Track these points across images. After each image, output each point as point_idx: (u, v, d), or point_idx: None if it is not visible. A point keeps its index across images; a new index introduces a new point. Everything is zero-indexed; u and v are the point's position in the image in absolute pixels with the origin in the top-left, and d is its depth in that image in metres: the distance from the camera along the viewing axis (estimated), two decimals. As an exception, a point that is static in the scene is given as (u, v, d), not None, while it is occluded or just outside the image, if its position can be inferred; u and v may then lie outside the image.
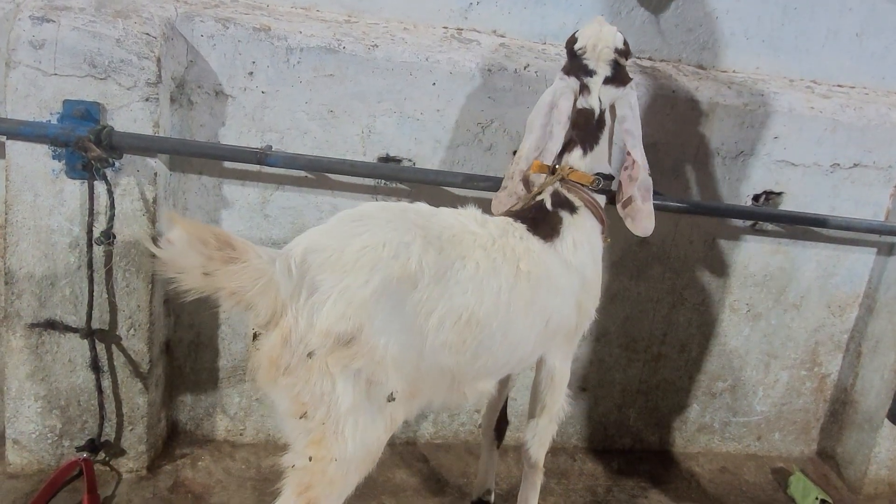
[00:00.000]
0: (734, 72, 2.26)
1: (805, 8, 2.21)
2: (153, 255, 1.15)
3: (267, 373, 1.20)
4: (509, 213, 1.60)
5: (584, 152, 1.62)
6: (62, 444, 1.87)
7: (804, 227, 2.22)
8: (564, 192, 1.60)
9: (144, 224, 1.77)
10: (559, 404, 1.68)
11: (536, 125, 1.65)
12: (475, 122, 1.98)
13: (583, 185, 1.60)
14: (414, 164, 1.98)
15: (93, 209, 1.70)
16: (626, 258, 2.19)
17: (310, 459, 1.22)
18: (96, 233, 1.70)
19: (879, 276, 2.34)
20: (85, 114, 1.66)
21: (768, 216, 2.18)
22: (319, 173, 1.93)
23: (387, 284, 1.20)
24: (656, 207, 1.85)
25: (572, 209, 1.59)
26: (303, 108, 1.89)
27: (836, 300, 2.37)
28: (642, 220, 1.64)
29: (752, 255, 2.26)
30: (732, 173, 2.16)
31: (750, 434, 2.47)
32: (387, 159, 1.97)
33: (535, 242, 1.50)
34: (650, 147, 2.07)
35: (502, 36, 2.12)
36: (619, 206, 1.67)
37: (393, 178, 1.95)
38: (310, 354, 1.17)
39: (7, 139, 1.66)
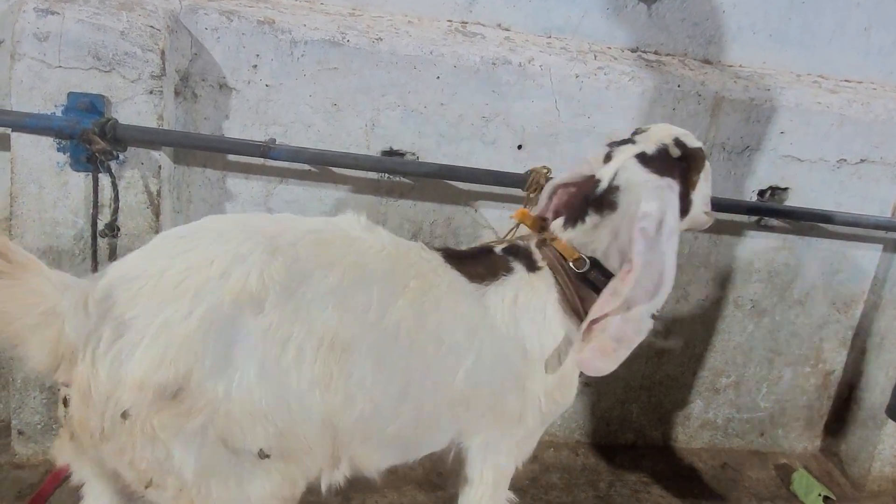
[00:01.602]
0: (740, 66, 2.24)
1: (812, 2, 2.19)
2: None
3: (87, 444, 0.96)
4: (434, 246, 1.30)
5: (565, 223, 1.32)
6: (67, 435, 1.88)
7: (809, 223, 2.21)
8: (532, 249, 1.33)
9: (149, 217, 1.78)
10: (483, 489, 1.27)
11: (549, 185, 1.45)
12: (479, 116, 1.98)
13: (563, 257, 1.28)
14: (417, 157, 1.97)
15: (97, 202, 1.70)
16: (630, 253, 2.18)
17: None
18: (101, 225, 1.70)
19: (885, 272, 2.32)
20: (89, 106, 1.66)
21: (773, 212, 2.17)
22: (323, 167, 1.93)
23: (217, 312, 0.94)
24: None
25: (531, 265, 1.29)
26: (307, 102, 1.89)
27: (841, 297, 2.35)
28: (595, 356, 1.19)
29: (756, 250, 2.25)
30: (738, 168, 2.15)
31: (753, 430, 2.47)
32: (390, 153, 1.97)
33: (447, 271, 1.20)
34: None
35: (507, 30, 2.11)
36: (583, 323, 1.23)
37: (396, 171, 1.94)
38: (124, 415, 0.92)
39: (12, 131, 1.67)
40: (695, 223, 1.42)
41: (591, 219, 1.28)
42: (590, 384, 2.31)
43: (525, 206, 1.86)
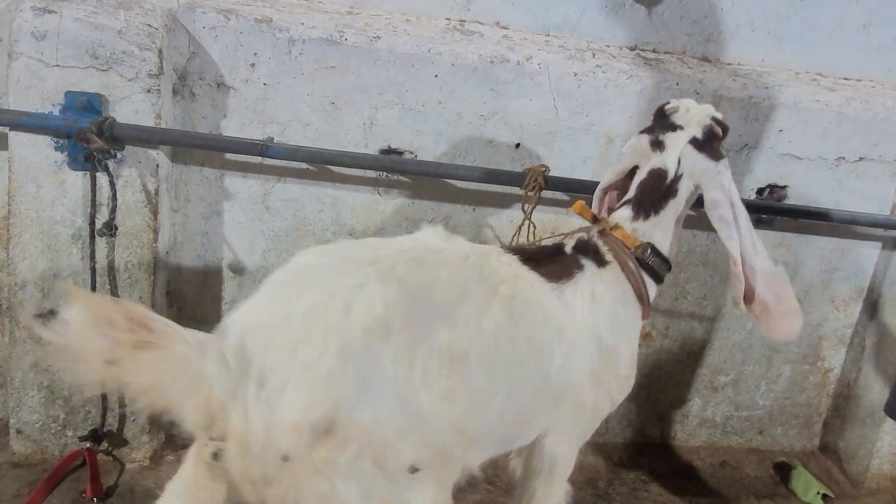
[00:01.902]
0: (739, 64, 2.24)
1: (811, -1, 2.19)
2: (41, 340, 0.91)
3: (249, 491, 0.97)
4: (506, 247, 1.38)
5: (635, 215, 1.38)
6: (65, 433, 1.88)
7: (808, 220, 2.21)
8: (598, 242, 1.38)
9: (147, 215, 1.78)
10: (555, 499, 1.37)
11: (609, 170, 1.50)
12: (477, 115, 1.98)
13: (626, 246, 1.35)
14: (416, 156, 1.97)
15: (95, 200, 1.70)
16: (628, 251, 2.18)
17: None
18: (99, 224, 1.70)
19: (884, 270, 2.32)
20: (87, 105, 1.66)
21: (772, 210, 2.16)
22: (321, 165, 1.93)
23: (350, 345, 0.97)
24: None
25: (600, 261, 1.35)
26: (304, 100, 1.88)
27: (839, 295, 2.35)
28: (776, 321, 1.34)
29: (755, 248, 2.25)
30: (736, 166, 2.15)
31: (752, 428, 2.47)
32: (388, 151, 1.97)
33: (527, 273, 1.25)
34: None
35: (505, 28, 2.11)
36: (741, 305, 1.39)
37: (394, 170, 1.94)
38: (285, 458, 0.95)
39: (10, 130, 1.67)
40: None
41: (663, 211, 1.38)
42: (588, 382, 2.31)
43: (524, 205, 1.86)
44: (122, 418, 1.90)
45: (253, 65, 1.84)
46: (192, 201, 1.92)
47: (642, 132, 1.44)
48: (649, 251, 1.36)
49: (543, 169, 1.84)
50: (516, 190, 1.91)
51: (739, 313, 2.30)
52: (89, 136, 1.62)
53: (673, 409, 2.40)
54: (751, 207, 2.16)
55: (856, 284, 2.35)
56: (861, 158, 2.21)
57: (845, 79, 2.30)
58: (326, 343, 0.96)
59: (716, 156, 1.38)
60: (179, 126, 1.84)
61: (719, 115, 1.43)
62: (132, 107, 1.70)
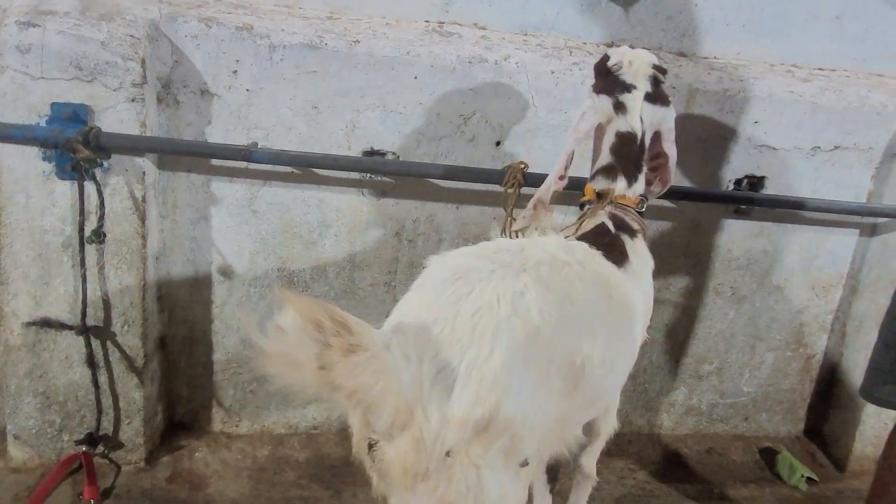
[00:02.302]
0: (714, 58, 2.28)
1: (784, -8, 2.23)
2: (257, 352, 0.91)
3: (401, 482, 1.02)
4: (577, 237, 1.49)
5: (630, 183, 1.53)
6: (62, 438, 1.92)
7: (786, 210, 2.25)
8: (621, 215, 1.52)
9: (135, 222, 1.81)
10: (611, 427, 1.62)
11: (562, 152, 1.61)
12: (457, 114, 2.01)
13: (629, 207, 1.53)
14: (398, 157, 2.01)
15: (83, 209, 1.74)
16: (610, 245, 2.22)
17: None
18: (87, 232, 1.74)
19: (862, 256, 2.37)
20: (73, 116, 1.70)
21: (750, 200, 2.21)
22: (305, 168, 1.97)
23: (513, 348, 1.03)
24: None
25: (632, 234, 1.51)
26: (287, 105, 1.92)
27: (819, 282, 2.40)
28: (664, 184, 1.68)
29: (735, 238, 2.30)
30: (714, 158, 2.19)
31: (737, 415, 2.51)
32: (371, 153, 2.00)
33: (612, 269, 1.38)
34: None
35: (483, 28, 2.15)
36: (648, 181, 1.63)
37: (377, 171, 1.98)
38: (448, 453, 1.00)
39: (-2, 142, 1.71)
40: None
41: (644, 167, 1.55)
42: (575, 374, 2.35)
43: (504, 204, 1.90)
44: (117, 422, 1.94)
45: (235, 71, 1.88)
46: (179, 207, 1.96)
47: (599, 92, 1.56)
48: (644, 204, 1.58)
49: (522, 166, 1.88)
50: (498, 187, 1.95)
51: (722, 302, 2.36)
52: (76, 146, 1.66)
53: (659, 398, 2.45)
54: (729, 198, 2.22)
55: (835, 271, 2.39)
56: (836, 147, 2.25)
57: (819, 69, 2.35)
58: (493, 345, 1.02)
59: (665, 101, 1.57)
60: (165, 134, 1.88)
61: (657, 61, 1.57)
62: (117, 116, 1.74)
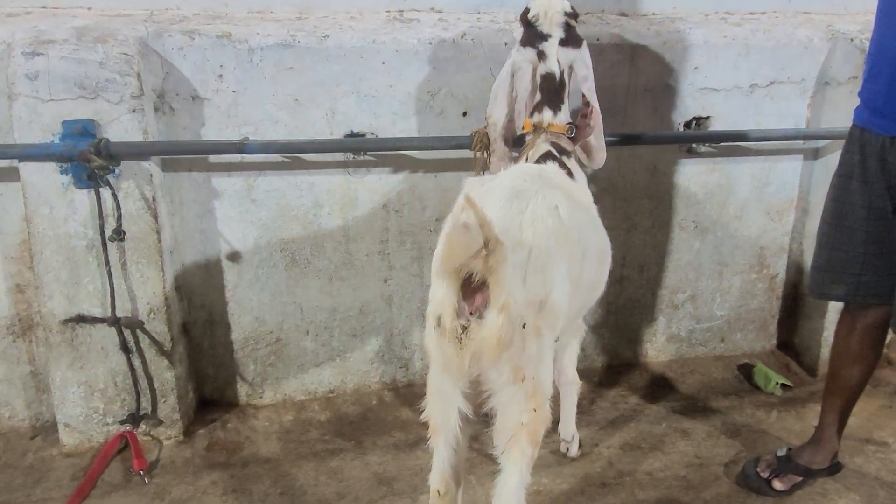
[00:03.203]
0: (654, 14, 2.50)
1: (709, -54, 2.44)
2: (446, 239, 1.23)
3: (494, 353, 1.26)
4: (535, 162, 1.80)
5: (554, 112, 1.84)
6: (106, 421, 2.14)
7: (734, 143, 2.47)
8: (556, 140, 1.83)
9: (149, 220, 2.02)
10: (583, 330, 2.05)
11: (500, 94, 1.89)
12: (425, 92, 2.22)
13: (560, 133, 1.83)
14: (376, 135, 2.22)
15: (102, 212, 1.95)
16: (578, 194, 2.44)
17: (534, 410, 1.38)
18: (108, 232, 1.95)
19: (809, 179, 2.59)
20: (82, 131, 1.90)
21: (699, 138, 2.43)
22: (293, 155, 2.18)
23: (558, 247, 1.38)
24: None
25: (568, 155, 1.83)
26: (271, 101, 2.13)
27: (773, 207, 2.62)
28: (597, 154, 1.93)
29: (691, 175, 2.52)
30: (662, 105, 2.41)
31: (714, 338, 2.75)
32: (352, 135, 2.21)
33: (574, 184, 1.76)
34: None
35: (440, 11, 2.36)
36: (577, 146, 1.91)
37: (358, 149, 2.20)
38: (524, 325, 1.32)
39: (19, 162, 1.91)
40: None
41: (565, 98, 1.85)
42: (561, 316, 2.58)
43: (475, 166, 2.12)
44: (154, 401, 2.16)
45: (220, 76, 2.08)
46: (185, 203, 2.17)
47: (525, 45, 1.84)
48: (573, 130, 1.85)
49: (486, 129, 2.09)
50: (469, 153, 2.16)
51: (687, 235, 2.58)
52: (89, 157, 1.87)
53: (641, 330, 2.68)
54: (680, 138, 2.44)
55: (786, 195, 2.62)
56: (772, 82, 2.47)
57: (750, 13, 2.57)
58: (546, 245, 1.36)
59: (577, 43, 1.84)
60: (164, 138, 2.08)
61: (568, 8, 1.84)
62: (121, 126, 1.95)
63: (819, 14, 2.61)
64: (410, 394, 2.48)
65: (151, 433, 2.17)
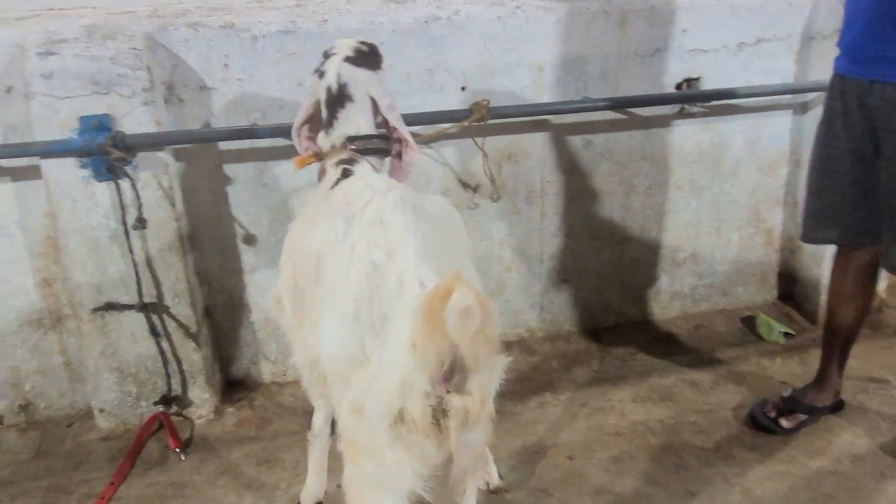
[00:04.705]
0: (640, -20, 2.56)
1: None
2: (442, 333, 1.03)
3: (477, 415, 1.19)
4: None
5: (326, 132, 1.63)
6: (140, 404, 2.23)
7: (724, 101, 2.54)
8: (334, 167, 1.59)
9: (167, 208, 2.10)
10: None
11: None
12: (424, 69, 2.30)
13: (341, 154, 1.60)
14: (379, 115, 2.29)
15: (122, 203, 2.03)
16: (576, 161, 2.52)
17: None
18: (130, 221, 2.03)
19: (799, 133, 2.67)
20: (98, 125, 1.98)
21: (690, 97, 2.51)
22: (302, 138, 2.25)
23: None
24: (591, 109, 2.37)
25: (348, 176, 1.56)
26: (275, 87, 2.20)
27: (766, 162, 2.71)
28: (409, 158, 1.68)
29: (684, 136, 2.60)
30: (652, 69, 2.48)
31: (716, 292, 2.84)
32: (356, 116, 2.28)
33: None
34: (577, 60, 2.40)
35: (432, -10, 2.42)
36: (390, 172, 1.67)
37: (364, 129, 2.27)
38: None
39: (41, 159, 1.99)
40: None
41: (339, 116, 1.62)
42: (567, 280, 2.66)
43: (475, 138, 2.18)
44: (184, 383, 2.25)
45: (226, 65, 2.15)
46: (200, 191, 2.25)
47: (314, 73, 1.68)
48: (346, 142, 1.60)
49: (486, 102, 2.18)
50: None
51: (683, 195, 2.67)
52: (108, 150, 1.94)
53: (645, 289, 2.77)
54: (673, 99, 2.52)
55: (778, 149, 2.70)
56: (759, 41, 2.54)
57: (735, -26, 2.63)
58: None
59: (373, 67, 1.66)
60: (175, 129, 2.16)
61: (365, 42, 1.70)
62: (135, 119, 2.02)
63: (801, -29, 2.68)
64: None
65: (183, 413, 2.27)
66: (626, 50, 2.44)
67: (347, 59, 1.65)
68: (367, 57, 1.68)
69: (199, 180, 2.25)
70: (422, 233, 1.29)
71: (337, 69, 1.64)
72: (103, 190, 2.04)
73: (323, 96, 1.65)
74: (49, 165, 2.00)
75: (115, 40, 2.00)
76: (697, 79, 2.54)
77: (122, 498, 1.97)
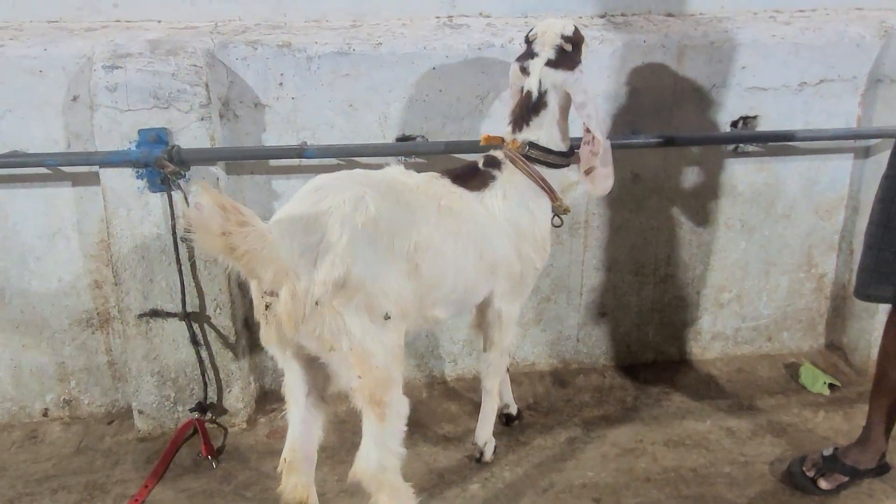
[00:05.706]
0: (701, 14, 2.51)
1: (761, -58, 2.44)
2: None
3: (288, 326, 1.41)
4: (440, 172, 1.85)
5: (514, 129, 1.85)
6: (177, 409, 2.29)
7: (782, 143, 2.47)
8: (497, 155, 1.86)
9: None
10: (508, 341, 2.00)
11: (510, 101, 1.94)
12: (474, 96, 2.30)
13: (512, 150, 1.85)
14: (426, 139, 2.31)
15: (174, 214, 2.08)
16: (623, 194, 2.48)
17: (359, 377, 1.51)
18: (181, 232, 2.09)
19: (860, 178, 2.57)
20: (156, 138, 2.04)
21: (747, 138, 2.44)
22: (348, 158, 2.28)
23: (358, 231, 1.45)
24: (644, 146, 2.29)
25: (500, 167, 1.85)
26: (327, 106, 2.23)
27: (822, 206, 2.61)
28: (601, 181, 1.88)
29: (738, 175, 2.53)
30: (709, 105, 2.43)
31: (760, 336, 2.75)
32: (403, 138, 2.30)
33: (456, 189, 1.77)
34: (632, 93, 2.36)
35: (488, 16, 2.42)
36: (581, 173, 1.91)
37: (410, 153, 2.29)
38: (317, 303, 1.41)
39: (100, 167, 2.06)
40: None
41: (535, 120, 1.84)
42: (606, 313, 2.62)
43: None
44: (220, 391, 2.30)
45: (281, 84, 2.19)
46: (248, 205, 2.29)
47: (517, 59, 1.86)
48: (528, 147, 1.83)
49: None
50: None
51: (733, 234, 2.60)
52: (163, 163, 2.00)
53: (686, 328, 2.70)
54: (728, 139, 2.46)
55: (836, 194, 2.60)
56: (822, 81, 2.46)
57: (800, 11, 2.55)
58: (342, 230, 1.43)
59: (571, 66, 1.79)
60: (229, 144, 2.21)
61: (569, 32, 1.81)
62: (191, 133, 2.08)
63: (872, 10, 2.58)
64: (459, 388, 2.57)
65: (217, 421, 2.32)
66: (681, 85, 2.39)
67: (549, 63, 1.79)
68: (569, 56, 1.80)
69: (249, 194, 2.29)
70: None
71: (539, 75, 1.80)
72: (156, 200, 2.11)
73: (521, 96, 1.83)
74: (107, 174, 2.07)
75: (176, 56, 2.06)
76: (755, 117, 2.47)
77: (154, 502, 2.02)
